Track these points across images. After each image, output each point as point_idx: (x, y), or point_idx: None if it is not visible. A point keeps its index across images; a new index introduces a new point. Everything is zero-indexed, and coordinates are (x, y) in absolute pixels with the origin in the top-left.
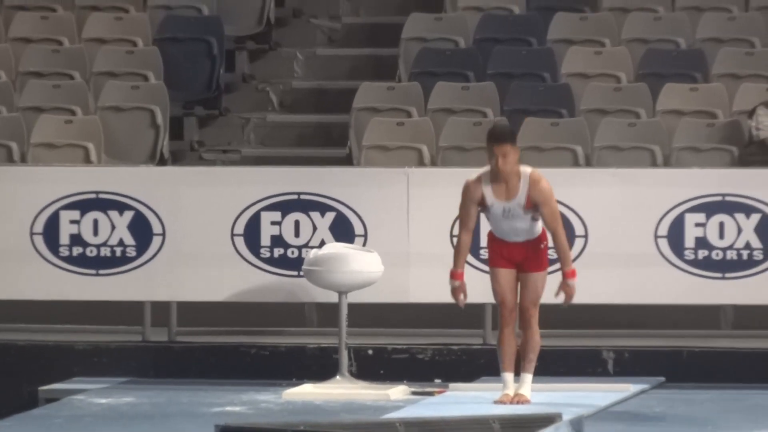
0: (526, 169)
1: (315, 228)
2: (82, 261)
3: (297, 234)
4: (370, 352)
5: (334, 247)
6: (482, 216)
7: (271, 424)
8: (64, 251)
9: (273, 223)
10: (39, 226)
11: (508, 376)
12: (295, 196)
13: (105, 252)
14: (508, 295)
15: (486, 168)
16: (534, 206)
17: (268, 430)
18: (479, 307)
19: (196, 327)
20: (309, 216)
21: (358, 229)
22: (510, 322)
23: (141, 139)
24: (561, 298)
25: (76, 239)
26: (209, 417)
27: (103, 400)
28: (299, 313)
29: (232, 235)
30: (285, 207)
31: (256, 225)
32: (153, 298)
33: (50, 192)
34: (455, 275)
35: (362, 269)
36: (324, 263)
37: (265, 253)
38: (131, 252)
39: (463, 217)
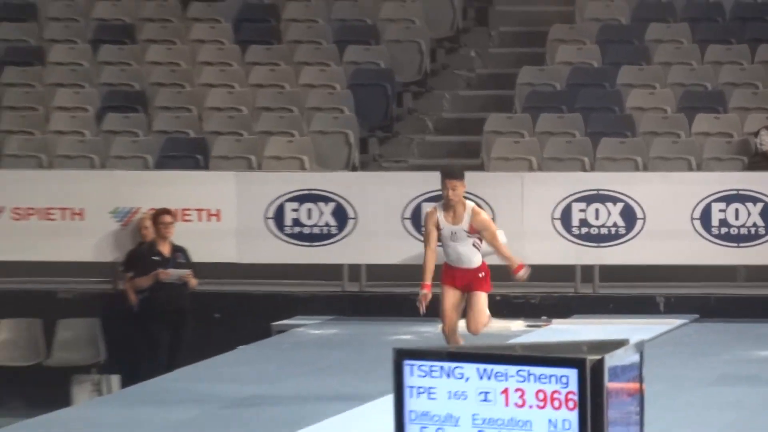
0: (469, 203)
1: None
2: (300, 237)
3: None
4: (498, 298)
5: None
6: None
7: (431, 347)
8: (287, 230)
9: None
10: (271, 213)
11: None
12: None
13: (315, 230)
14: (449, 313)
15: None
16: (476, 231)
17: (431, 351)
18: (571, 267)
19: (378, 281)
20: (480, 203)
21: (489, 213)
22: (452, 340)
23: (339, 153)
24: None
25: (296, 222)
26: (390, 343)
27: (316, 331)
28: None
29: (402, 218)
30: (437, 199)
31: (418, 211)
32: (348, 262)
33: (278, 190)
34: (424, 286)
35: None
36: None
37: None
38: (333, 230)
39: (426, 237)
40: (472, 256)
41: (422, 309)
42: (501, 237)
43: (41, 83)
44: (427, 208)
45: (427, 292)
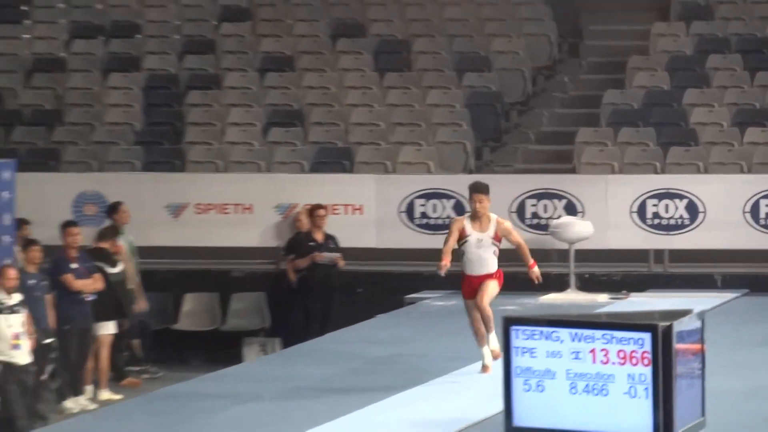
0: (493, 215)
1: (555, 207)
2: (426, 226)
3: (545, 211)
4: (587, 275)
5: (566, 219)
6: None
7: (533, 315)
8: (417, 221)
9: (532, 205)
10: (403, 207)
11: (484, 349)
12: (544, 190)
13: (439, 221)
14: (477, 324)
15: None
16: (500, 239)
17: (532, 319)
18: (646, 251)
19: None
20: (552, 201)
21: (579, 208)
22: (473, 316)
23: (458, 159)
24: (535, 279)
25: (423, 214)
26: (498, 312)
27: (439, 303)
28: (547, 255)
29: (509, 212)
30: (539, 196)
31: (523, 206)
32: None
33: (409, 189)
34: (444, 259)
35: (582, 230)
36: (561, 227)
37: (529, 222)
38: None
39: (447, 236)
40: (491, 262)
41: (442, 273)
42: (587, 228)
43: (218, 104)
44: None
45: (446, 263)
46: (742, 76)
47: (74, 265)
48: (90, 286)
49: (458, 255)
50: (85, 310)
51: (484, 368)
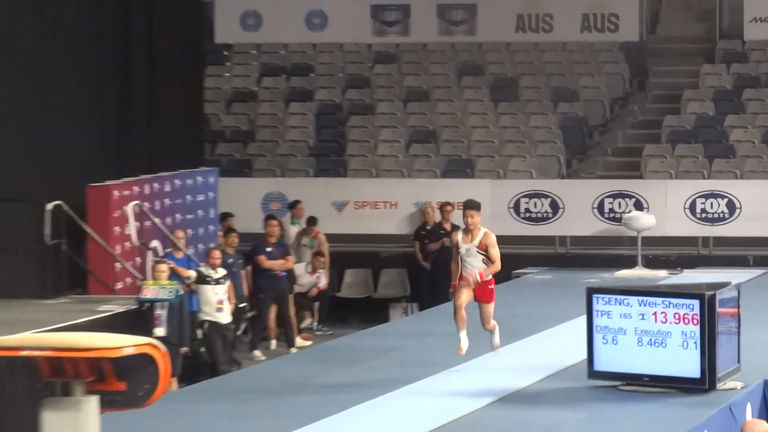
0: (484, 229)
1: (627, 204)
2: (529, 219)
3: (619, 207)
4: (650, 256)
5: (635, 213)
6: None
7: (609, 286)
8: (522, 215)
9: (609, 203)
10: (511, 204)
11: (462, 334)
12: (618, 192)
13: (539, 215)
14: (460, 303)
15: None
16: (485, 248)
17: (609, 289)
18: (695, 238)
19: (577, 246)
20: (624, 200)
21: (645, 205)
22: (458, 311)
23: (553, 168)
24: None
25: (527, 210)
26: (583, 284)
27: (538, 277)
28: (620, 240)
29: (592, 208)
30: (615, 196)
31: (602, 204)
32: (558, 234)
33: (516, 190)
34: (452, 285)
35: (647, 222)
36: (631, 219)
37: (607, 215)
38: (550, 215)
39: (454, 254)
40: (481, 267)
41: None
42: (651, 220)
43: (372, 126)
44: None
45: (454, 290)
46: None
47: (269, 249)
48: (281, 265)
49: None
50: (276, 283)
51: (459, 350)
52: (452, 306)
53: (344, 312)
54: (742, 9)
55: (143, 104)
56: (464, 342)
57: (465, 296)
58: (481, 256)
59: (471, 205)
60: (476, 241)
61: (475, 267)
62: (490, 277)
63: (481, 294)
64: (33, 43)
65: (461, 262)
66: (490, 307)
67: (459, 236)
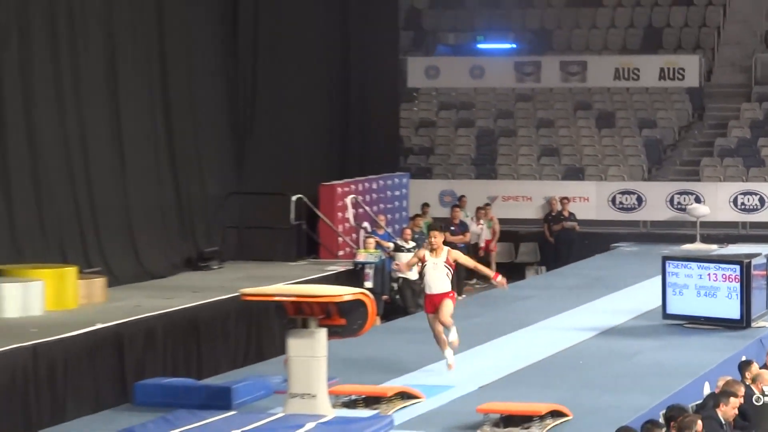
0: (446, 248)
1: (690, 199)
2: (622, 209)
3: (684, 201)
4: (705, 234)
5: (695, 205)
6: None
7: (678, 254)
8: (617, 205)
9: (678, 198)
10: (609, 198)
11: (446, 352)
12: (684, 190)
13: (629, 206)
14: (437, 329)
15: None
16: (453, 263)
17: (677, 257)
18: (736, 222)
19: (655, 227)
20: (688, 196)
21: (702, 200)
22: (435, 328)
23: (638, 174)
24: (502, 287)
25: (620, 202)
26: (659, 254)
27: (627, 249)
28: (686, 224)
29: (666, 201)
30: (681, 193)
31: (672, 199)
32: (644, 219)
33: (613, 189)
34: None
35: (703, 211)
36: (693, 209)
37: (676, 206)
38: (636, 206)
39: (411, 259)
40: (446, 282)
41: (396, 269)
42: (706, 210)
43: (514, 144)
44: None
45: (400, 265)
46: None
47: (453, 228)
48: (460, 239)
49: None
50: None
51: (449, 366)
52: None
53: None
54: None
55: (358, 127)
56: (450, 359)
57: (433, 319)
58: (446, 270)
59: (435, 228)
60: (442, 257)
61: (441, 281)
62: (450, 289)
63: (444, 297)
64: (295, 82)
65: (426, 276)
66: (450, 304)
67: (426, 253)
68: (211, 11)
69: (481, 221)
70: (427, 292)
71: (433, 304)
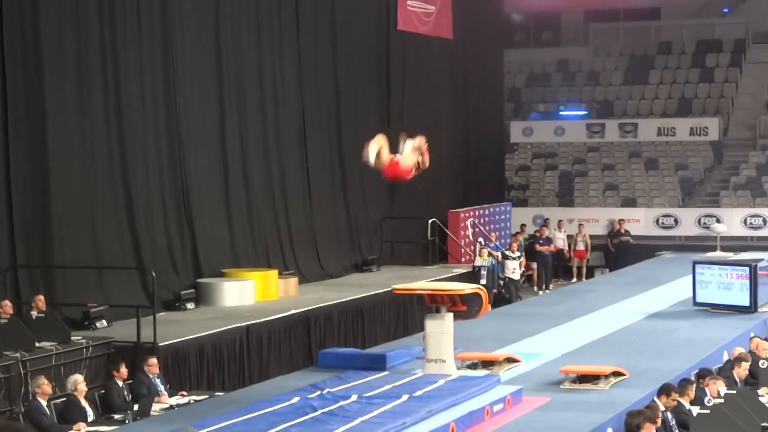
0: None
1: (712, 220)
2: (664, 227)
3: (709, 221)
4: (724, 245)
5: (716, 224)
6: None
7: (704, 259)
8: (660, 225)
9: (704, 219)
10: (655, 220)
11: None
12: (708, 214)
13: (665, 225)
14: None
15: None
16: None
17: (704, 261)
18: (746, 237)
19: (688, 241)
20: (712, 218)
21: (721, 220)
22: None
23: (675, 202)
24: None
25: (662, 223)
26: (691, 260)
27: (668, 256)
28: (710, 238)
29: (695, 221)
30: (707, 215)
31: (700, 220)
32: (682, 233)
33: (656, 213)
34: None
35: (722, 228)
36: (715, 227)
37: (702, 225)
38: (673, 225)
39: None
40: None
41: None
42: (724, 228)
43: (586, 182)
44: None
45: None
46: None
47: (541, 241)
48: (547, 249)
49: None
50: (544, 258)
51: None
52: None
53: (571, 272)
54: None
55: (475, 170)
56: None
57: None
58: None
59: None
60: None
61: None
62: None
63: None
64: (430, 138)
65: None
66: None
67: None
68: (369, 86)
69: (563, 230)
70: None
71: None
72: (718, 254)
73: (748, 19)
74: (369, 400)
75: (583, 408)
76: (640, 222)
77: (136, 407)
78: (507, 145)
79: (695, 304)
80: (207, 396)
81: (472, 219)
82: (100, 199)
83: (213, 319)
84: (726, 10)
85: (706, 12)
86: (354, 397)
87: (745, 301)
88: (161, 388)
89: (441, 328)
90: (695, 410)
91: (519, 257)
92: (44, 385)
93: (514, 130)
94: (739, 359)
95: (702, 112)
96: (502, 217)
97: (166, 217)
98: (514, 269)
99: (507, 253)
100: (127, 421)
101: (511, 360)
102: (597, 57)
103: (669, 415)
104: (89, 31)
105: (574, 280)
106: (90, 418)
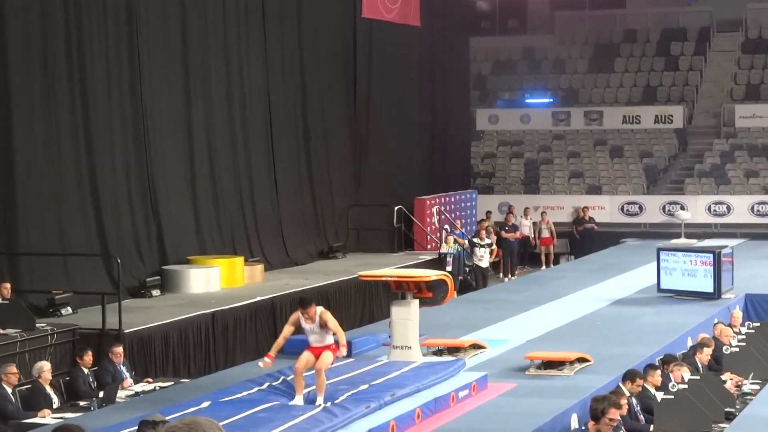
0: (319, 308)
1: (676, 207)
2: (628, 214)
3: (673, 209)
4: (688, 232)
5: (680, 211)
6: None
7: (670, 245)
8: (625, 212)
9: (668, 206)
10: (620, 207)
11: (298, 399)
12: (672, 201)
13: (630, 212)
14: (299, 368)
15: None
16: (325, 323)
17: (669, 248)
18: (710, 224)
19: (652, 228)
20: (676, 205)
21: (686, 207)
22: (297, 375)
23: (640, 189)
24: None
25: (627, 210)
26: (654, 246)
27: (632, 243)
28: (677, 225)
29: (659, 208)
30: (671, 203)
31: (665, 207)
32: (647, 221)
33: (621, 200)
34: (267, 356)
35: (686, 216)
36: (679, 214)
37: (666, 212)
38: (638, 212)
39: (285, 327)
40: (328, 338)
41: (262, 366)
42: (687, 215)
43: (551, 170)
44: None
45: (268, 360)
46: None
47: (507, 227)
48: (512, 236)
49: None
50: (510, 245)
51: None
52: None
53: (538, 259)
54: (734, 113)
55: (441, 158)
56: (301, 401)
57: (306, 359)
58: (325, 329)
59: (303, 304)
60: (316, 322)
61: (323, 339)
62: (333, 342)
63: (326, 350)
64: (396, 127)
65: (308, 336)
66: (329, 356)
67: (300, 318)
68: (334, 74)
69: (529, 217)
70: (310, 344)
71: (313, 351)
72: (683, 241)
73: (712, 7)
74: (334, 386)
75: (549, 394)
76: (605, 209)
77: (101, 394)
78: (473, 133)
79: (660, 290)
80: (173, 383)
81: (437, 206)
82: (66, 186)
83: (179, 306)
84: None
85: (671, 0)
86: None
87: (709, 288)
88: (126, 375)
89: (407, 315)
90: (660, 396)
91: (490, 245)
92: (11, 374)
93: (480, 118)
94: (701, 345)
95: (667, 100)
96: (468, 204)
97: (131, 205)
98: (481, 256)
99: (475, 240)
100: (92, 408)
101: (476, 346)
102: (562, 45)
103: (634, 400)
104: (54, 20)
105: (543, 267)
106: (55, 405)
